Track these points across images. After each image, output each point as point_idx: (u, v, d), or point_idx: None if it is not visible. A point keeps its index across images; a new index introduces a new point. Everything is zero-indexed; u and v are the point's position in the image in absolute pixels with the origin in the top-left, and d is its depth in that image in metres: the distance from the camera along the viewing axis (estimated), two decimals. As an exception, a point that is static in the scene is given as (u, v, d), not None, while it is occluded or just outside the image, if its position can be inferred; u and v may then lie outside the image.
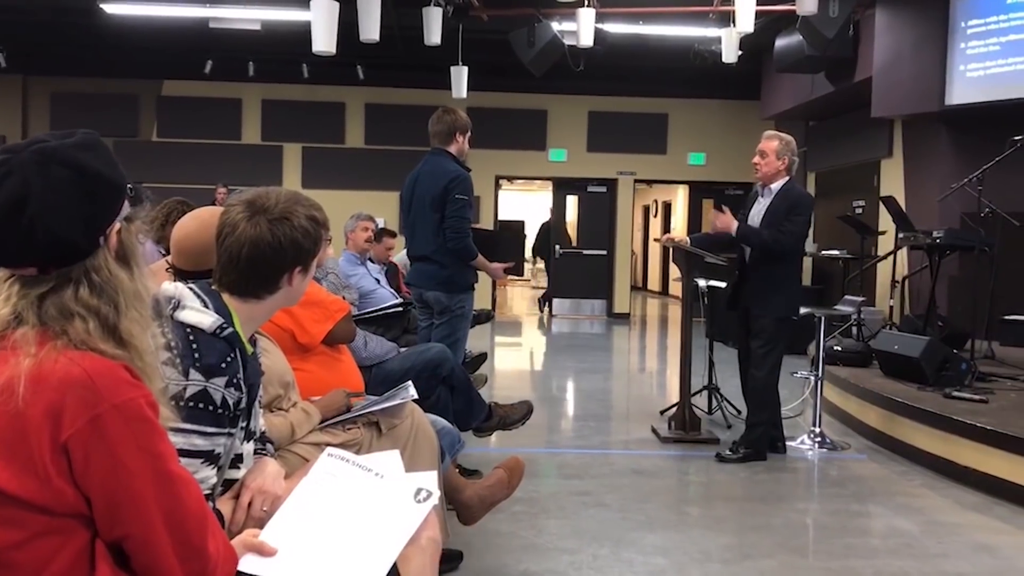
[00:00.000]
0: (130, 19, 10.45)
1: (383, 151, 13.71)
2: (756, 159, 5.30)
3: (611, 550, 3.61)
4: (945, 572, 3.48)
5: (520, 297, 19.55)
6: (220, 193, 11.18)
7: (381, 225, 7.90)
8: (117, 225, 1.32)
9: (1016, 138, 6.27)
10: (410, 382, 2.57)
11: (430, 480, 1.74)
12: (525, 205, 23.48)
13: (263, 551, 1.51)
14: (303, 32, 10.57)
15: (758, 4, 7.84)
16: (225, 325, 1.74)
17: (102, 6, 9.87)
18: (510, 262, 5.11)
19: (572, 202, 14.86)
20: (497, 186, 14.51)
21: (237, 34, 10.76)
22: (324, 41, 6.50)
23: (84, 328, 1.24)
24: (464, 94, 10.02)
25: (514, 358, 10.12)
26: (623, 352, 11.29)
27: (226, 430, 1.72)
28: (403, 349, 4.14)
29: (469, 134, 5.05)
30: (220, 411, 1.70)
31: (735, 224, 5.19)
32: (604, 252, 14.44)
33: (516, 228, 5.44)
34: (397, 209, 13.56)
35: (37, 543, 1.20)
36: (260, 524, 1.64)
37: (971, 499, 4.48)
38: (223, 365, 1.71)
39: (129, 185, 1.35)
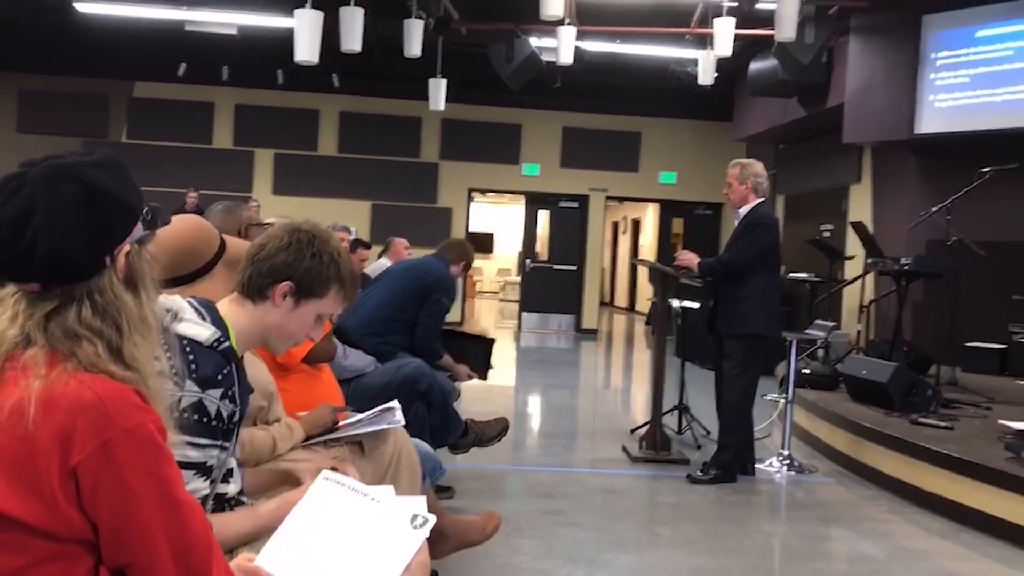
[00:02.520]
0: (104, 18, 10.34)
1: (356, 160, 13.67)
2: (725, 190, 5.44)
3: (585, 571, 3.61)
4: (914, 599, 3.53)
5: (488, 310, 19.55)
6: (190, 197, 11.06)
7: (354, 236, 7.86)
8: (127, 247, 1.29)
9: (984, 170, 6.40)
10: (397, 403, 2.55)
11: (421, 505, 1.72)
12: (497, 218, 23.56)
13: None
14: (280, 38, 10.57)
15: (736, 28, 7.96)
16: (222, 338, 1.76)
17: (75, 5, 9.75)
18: (474, 374, 5.09)
19: (544, 217, 14.92)
20: (470, 198, 14.52)
21: (213, 38, 10.68)
22: (307, 51, 6.48)
23: (93, 351, 1.22)
24: (442, 106, 10.03)
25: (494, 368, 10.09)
26: (592, 368, 11.33)
27: (219, 443, 1.74)
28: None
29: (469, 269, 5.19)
30: (214, 423, 1.71)
31: (696, 260, 5.35)
32: (574, 267, 14.50)
33: (489, 339, 5.49)
34: (369, 219, 13.62)
35: (40, 569, 1.17)
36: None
37: (937, 525, 4.54)
38: (219, 377, 1.73)
39: (146, 207, 1.33)
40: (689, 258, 5.38)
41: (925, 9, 8.74)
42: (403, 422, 2.52)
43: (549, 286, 14.51)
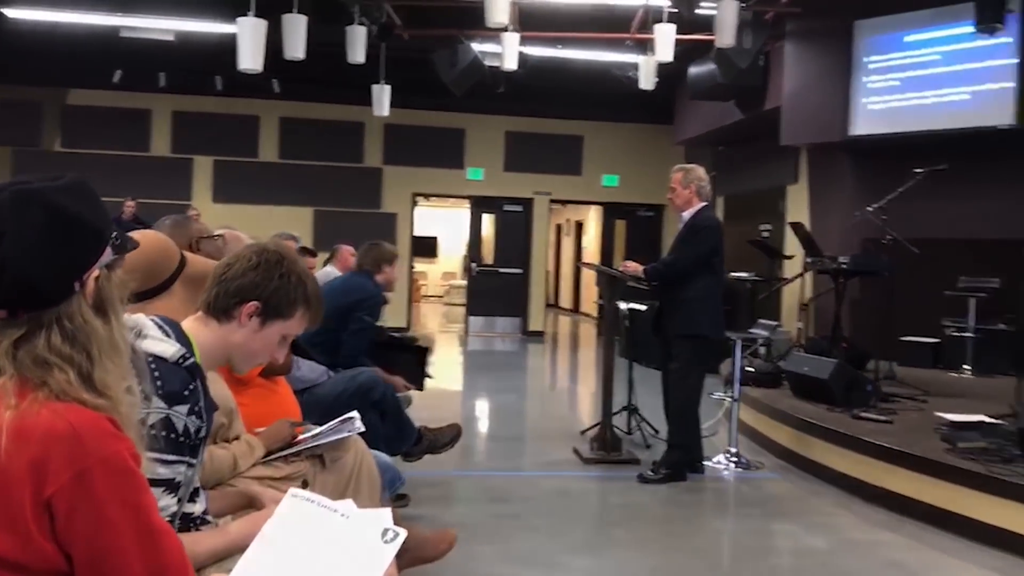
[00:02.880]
0: (35, 24, 10.09)
1: (298, 166, 13.55)
2: (669, 195, 5.55)
3: (542, 574, 3.65)
4: (861, 589, 3.65)
5: (433, 314, 19.52)
6: (128, 206, 10.84)
7: (300, 244, 7.78)
8: (96, 272, 1.28)
9: (917, 170, 6.61)
10: (356, 413, 2.56)
11: (388, 519, 1.74)
12: (441, 222, 23.51)
13: None
14: (218, 44, 10.44)
15: (676, 33, 8.09)
16: (187, 354, 1.75)
17: (4, 10, 9.50)
18: (411, 385, 5.05)
19: (488, 220, 14.96)
20: (414, 203, 14.49)
21: (149, 44, 10.49)
22: (251, 59, 6.42)
23: (64, 379, 1.21)
24: (386, 112, 10.01)
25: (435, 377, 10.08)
26: (540, 371, 11.40)
27: (186, 459, 1.74)
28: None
29: (396, 263, 5.09)
30: (182, 439, 1.71)
31: (641, 268, 5.48)
32: (520, 270, 14.57)
33: (422, 347, 5.48)
34: (312, 225, 13.50)
35: None
36: None
37: (880, 517, 4.68)
38: (186, 393, 1.73)
39: (115, 233, 1.32)
40: (634, 268, 5.51)
41: (857, 15, 9.00)
42: (362, 429, 2.53)
43: (495, 289, 14.56)
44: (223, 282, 1.91)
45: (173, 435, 1.69)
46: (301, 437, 2.48)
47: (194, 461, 1.79)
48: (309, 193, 13.46)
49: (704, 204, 5.52)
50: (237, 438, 2.36)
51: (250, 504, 2.07)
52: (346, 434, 2.50)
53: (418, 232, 15.09)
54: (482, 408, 8.23)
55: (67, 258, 1.25)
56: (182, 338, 1.82)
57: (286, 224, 10.87)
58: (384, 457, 2.95)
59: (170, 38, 10.34)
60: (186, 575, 1.29)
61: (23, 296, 1.22)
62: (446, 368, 11.45)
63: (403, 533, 1.62)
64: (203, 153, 13.41)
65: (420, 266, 19.25)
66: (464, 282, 17.97)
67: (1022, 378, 5.98)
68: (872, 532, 4.48)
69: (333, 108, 13.52)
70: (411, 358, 5.27)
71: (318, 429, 2.51)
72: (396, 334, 6.66)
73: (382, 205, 13.91)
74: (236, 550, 1.82)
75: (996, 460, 4.41)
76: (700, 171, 5.60)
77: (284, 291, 1.92)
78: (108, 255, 1.30)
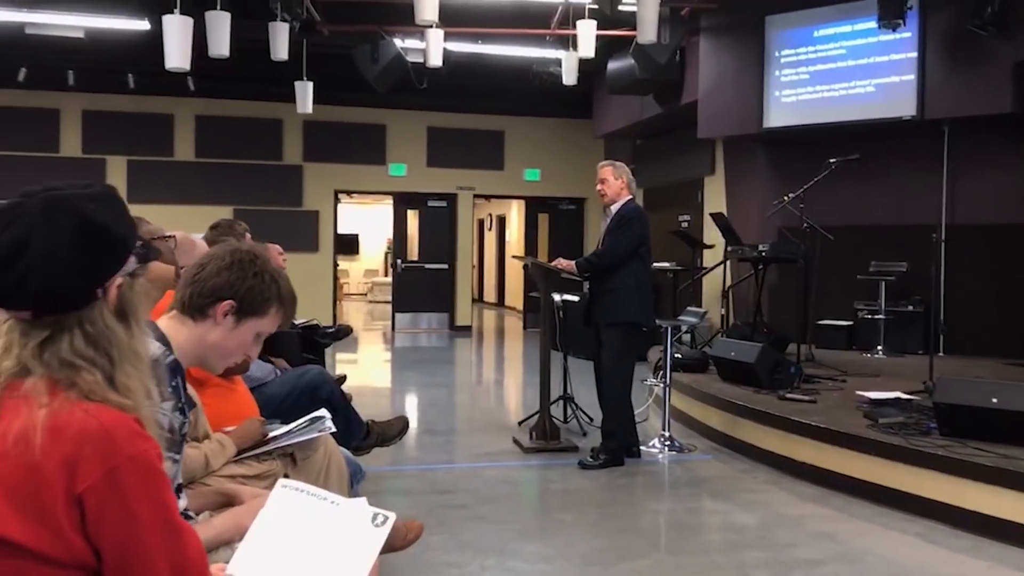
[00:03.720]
0: (-66, 21, 9.65)
1: (215, 164, 13.30)
2: (599, 188, 5.69)
3: (496, 560, 3.74)
4: (797, 559, 3.84)
5: (357, 312, 19.39)
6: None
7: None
8: (119, 279, 1.32)
9: (831, 161, 6.92)
10: (326, 412, 2.60)
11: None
12: (361, 219, 23.34)
13: None
14: (130, 41, 10.18)
15: (596, 29, 8.25)
16: (168, 352, 1.79)
17: (-100, 6, 9.08)
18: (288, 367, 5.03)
19: (413, 216, 14.95)
20: (336, 200, 14.38)
21: (57, 41, 10.14)
22: (178, 57, 6.30)
23: (93, 379, 1.25)
24: (309, 109, 9.92)
25: (363, 375, 10.08)
26: (471, 365, 11.48)
27: (172, 454, 1.77)
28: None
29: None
30: (168, 435, 1.75)
31: (572, 263, 5.68)
32: (445, 266, 14.61)
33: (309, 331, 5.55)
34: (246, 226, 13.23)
35: None
36: None
37: (809, 492, 4.92)
38: (169, 390, 1.77)
39: (140, 241, 1.36)
40: (568, 264, 5.68)
41: (768, 10, 9.32)
42: (333, 429, 2.58)
43: (421, 285, 14.57)
44: (197, 282, 1.94)
45: (160, 431, 1.73)
46: (271, 435, 2.51)
47: (178, 457, 1.83)
48: (228, 192, 13.23)
49: (631, 197, 5.70)
50: (207, 436, 2.38)
51: (228, 502, 2.10)
52: (317, 434, 2.54)
53: (340, 230, 14.97)
54: (416, 403, 8.26)
55: (93, 265, 1.29)
56: (161, 336, 1.86)
57: (205, 224, 10.67)
58: (346, 452, 3.00)
59: (80, 35, 10.01)
60: (205, 572, 1.33)
61: (48, 300, 1.26)
62: (376, 365, 11.45)
63: (392, 516, 1.69)
64: (116, 153, 13.04)
65: (342, 264, 19.08)
66: (388, 279, 17.90)
67: (932, 356, 6.34)
68: (801, 506, 4.71)
69: (250, 105, 13.31)
70: (294, 341, 5.23)
71: (287, 427, 2.55)
72: (330, 328, 6.65)
73: (304, 203, 13.76)
74: (220, 543, 1.86)
75: (914, 433, 4.69)
76: (624, 166, 5.79)
77: (258, 289, 1.96)
78: (132, 263, 1.35)
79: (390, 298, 15.45)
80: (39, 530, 1.18)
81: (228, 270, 1.93)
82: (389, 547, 3.03)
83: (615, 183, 5.63)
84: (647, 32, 6.71)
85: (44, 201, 1.28)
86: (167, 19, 6.46)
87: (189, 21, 6.51)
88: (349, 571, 1.60)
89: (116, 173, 13.09)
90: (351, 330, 5.97)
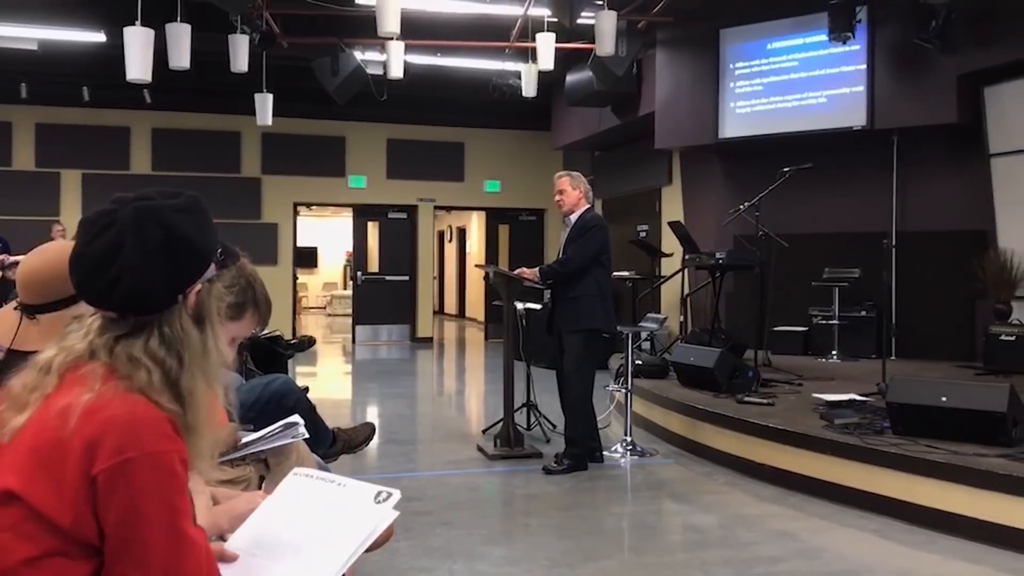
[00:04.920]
0: None
1: (172, 178, 13.19)
2: (557, 198, 5.77)
3: (464, 565, 3.78)
4: (758, 556, 3.93)
5: (316, 325, 19.28)
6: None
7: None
8: (198, 286, 1.41)
9: (785, 170, 7.08)
10: (300, 419, 2.62)
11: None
12: (320, 232, 23.23)
13: (224, 558, 1.56)
14: (85, 53, 10.10)
15: (555, 42, 8.37)
16: None
17: None
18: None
19: (373, 228, 14.94)
20: (296, 213, 14.33)
21: (9, 53, 10.03)
22: (139, 69, 6.28)
23: (148, 379, 1.32)
24: (269, 120, 9.90)
25: (324, 387, 10.05)
26: (433, 375, 11.49)
27: None
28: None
29: None
30: None
31: (536, 271, 5.74)
32: (406, 277, 14.62)
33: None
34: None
35: (47, 563, 1.24)
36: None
37: (768, 492, 5.03)
38: None
39: (219, 249, 1.45)
40: (530, 273, 5.74)
41: (723, 24, 9.52)
42: (307, 435, 2.60)
43: (381, 297, 14.55)
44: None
45: (219, 437, 1.74)
46: (244, 440, 2.53)
47: None
48: (185, 205, 13.08)
49: (589, 206, 5.80)
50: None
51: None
52: (291, 440, 2.57)
53: (299, 243, 14.91)
54: (379, 413, 8.26)
55: (177, 273, 1.38)
56: None
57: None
58: (316, 457, 3.02)
59: (33, 47, 9.91)
60: None
61: (133, 302, 1.35)
62: (337, 377, 11.41)
63: (396, 493, 1.72)
64: (70, 166, 12.88)
65: (300, 277, 18.97)
66: (347, 292, 17.83)
67: (885, 359, 6.51)
68: (761, 506, 4.81)
69: (208, 118, 13.24)
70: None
71: (260, 432, 2.57)
72: (292, 340, 6.64)
73: (262, 215, 13.70)
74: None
75: (868, 432, 4.83)
76: (582, 176, 5.90)
77: (233, 293, 1.99)
78: (211, 271, 1.44)
79: (349, 311, 15.41)
80: (57, 498, 1.25)
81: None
82: None
83: (573, 193, 5.72)
84: (605, 45, 6.83)
85: (136, 211, 1.36)
86: (128, 30, 6.44)
87: (150, 33, 6.49)
88: (345, 543, 1.64)
89: (70, 187, 12.93)
90: (314, 341, 5.98)
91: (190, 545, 1.32)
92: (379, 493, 1.68)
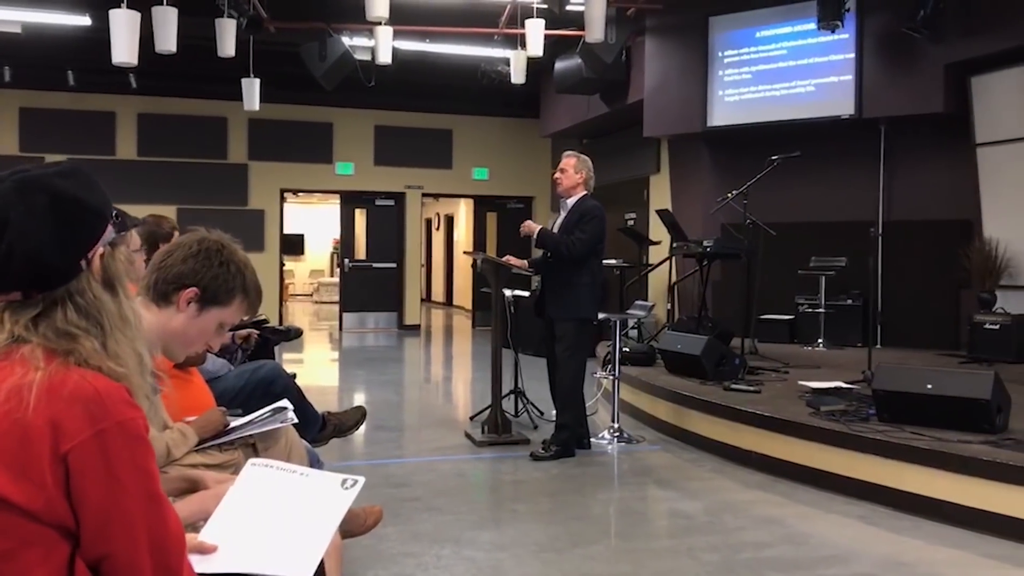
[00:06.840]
0: None
1: (158, 163, 13.11)
2: (556, 175, 5.75)
3: (452, 550, 3.79)
4: (744, 542, 3.96)
5: (303, 312, 19.23)
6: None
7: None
8: (100, 249, 1.35)
9: (773, 158, 7.10)
10: (288, 403, 2.62)
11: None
12: (307, 219, 23.14)
13: (203, 550, 1.56)
14: (70, 37, 9.99)
15: (544, 28, 8.34)
16: None
17: None
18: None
19: (360, 215, 14.89)
20: (283, 199, 14.26)
21: (-8, 36, 9.92)
22: (125, 52, 6.22)
23: (91, 346, 1.28)
24: (256, 106, 9.84)
25: (311, 374, 10.02)
26: (421, 363, 11.49)
27: None
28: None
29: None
30: None
31: (539, 227, 5.66)
32: (394, 265, 14.59)
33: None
34: (177, 224, 13.05)
35: (22, 553, 1.21)
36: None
37: (755, 479, 5.06)
38: None
39: (114, 211, 1.39)
40: (532, 226, 5.68)
41: (712, 11, 9.51)
42: (295, 420, 2.60)
43: (369, 285, 14.52)
44: (163, 268, 1.96)
45: (148, 402, 1.74)
46: (232, 425, 2.52)
47: None
48: (172, 191, 13.03)
49: (587, 193, 5.77)
50: (167, 427, 2.38)
51: (192, 488, 2.12)
52: (279, 424, 2.56)
53: (285, 230, 14.85)
54: (367, 400, 8.25)
55: (71, 237, 1.32)
56: None
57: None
58: (305, 443, 3.01)
59: (16, 30, 9.79)
60: (182, 546, 1.35)
61: (34, 276, 1.29)
62: (324, 364, 11.39)
63: (361, 480, 1.72)
64: (56, 151, 12.71)
65: (287, 264, 18.91)
66: (333, 279, 17.78)
67: (871, 347, 6.54)
68: (748, 493, 4.84)
69: (194, 103, 13.14)
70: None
71: (249, 417, 2.56)
72: (281, 327, 6.63)
73: (249, 202, 13.63)
74: (186, 526, 1.88)
75: (855, 420, 4.86)
76: (591, 164, 5.85)
77: (223, 279, 1.98)
78: (110, 233, 1.37)
79: (336, 298, 15.37)
80: (25, 484, 1.20)
81: (194, 258, 1.95)
82: (348, 533, 3.07)
83: (574, 176, 5.69)
84: (595, 31, 6.81)
85: (16, 183, 1.31)
86: (114, 13, 6.37)
87: (137, 16, 6.42)
88: (317, 531, 1.65)
89: (55, 172, 12.80)
90: (301, 332, 5.96)
91: (166, 506, 1.31)
92: (345, 481, 1.70)
